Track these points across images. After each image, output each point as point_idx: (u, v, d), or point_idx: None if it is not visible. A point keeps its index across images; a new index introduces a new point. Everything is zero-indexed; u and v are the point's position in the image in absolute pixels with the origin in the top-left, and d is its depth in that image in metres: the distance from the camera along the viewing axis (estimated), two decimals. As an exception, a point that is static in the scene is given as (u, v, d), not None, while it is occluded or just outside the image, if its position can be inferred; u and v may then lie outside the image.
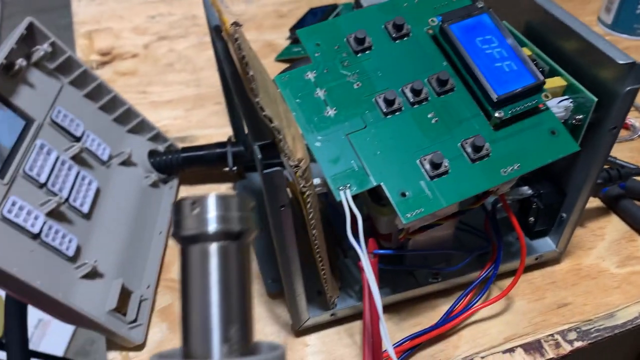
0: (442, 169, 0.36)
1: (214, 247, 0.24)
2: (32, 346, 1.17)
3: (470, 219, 0.48)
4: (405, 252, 0.44)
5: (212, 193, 0.25)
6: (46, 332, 1.25)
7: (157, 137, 0.58)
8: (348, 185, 0.36)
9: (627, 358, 0.71)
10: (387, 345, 0.34)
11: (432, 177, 0.37)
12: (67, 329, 1.27)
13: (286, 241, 0.36)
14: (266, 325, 0.45)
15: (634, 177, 0.53)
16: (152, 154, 0.55)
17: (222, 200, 0.25)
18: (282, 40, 0.76)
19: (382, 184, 0.36)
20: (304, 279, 0.45)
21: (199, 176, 0.57)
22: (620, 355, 0.67)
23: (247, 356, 0.23)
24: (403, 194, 0.36)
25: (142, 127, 0.56)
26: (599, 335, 0.44)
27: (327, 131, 0.38)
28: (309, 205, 0.35)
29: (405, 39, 0.40)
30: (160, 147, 0.57)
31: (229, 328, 0.23)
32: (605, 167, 0.49)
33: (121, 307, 0.44)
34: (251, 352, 0.24)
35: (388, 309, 0.45)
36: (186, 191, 0.57)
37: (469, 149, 0.37)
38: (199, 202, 0.24)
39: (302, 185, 0.34)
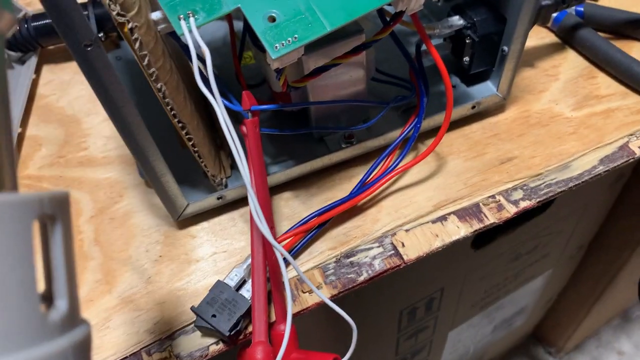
0: (323, -21, 0.26)
1: None
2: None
3: (396, 70, 0.39)
4: (293, 106, 0.34)
5: None
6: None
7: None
8: (192, 12, 0.26)
9: (587, 220, 0.65)
10: (260, 225, 0.25)
11: (310, -8, 0.26)
12: None
13: (115, 99, 0.26)
14: (144, 219, 0.36)
15: (594, 3, 0.44)
16: None
17: None
18: None
19: (240, 6, 0.26)
20: (185, 158, 0.36)
21: (65, 52, 0.46)
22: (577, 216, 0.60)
23: None
24: (271, 18, 0.26)
25: (-18, -6, 0.44)
26: (550, 191, 0.36)
27: (160, -61, 0.27)
28: (137, 45, 0.25)
29: None
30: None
31: None
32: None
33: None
34: None
35: (294, 184, 0.37)
36: (50, 71, 0.46)
37: (360, -51, 0.27)
38: None
39: (115, 13, 0.24)
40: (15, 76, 0.44)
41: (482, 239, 0.49)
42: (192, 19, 0.26)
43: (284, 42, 0.26)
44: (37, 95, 0.44)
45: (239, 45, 0.35)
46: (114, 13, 0.24)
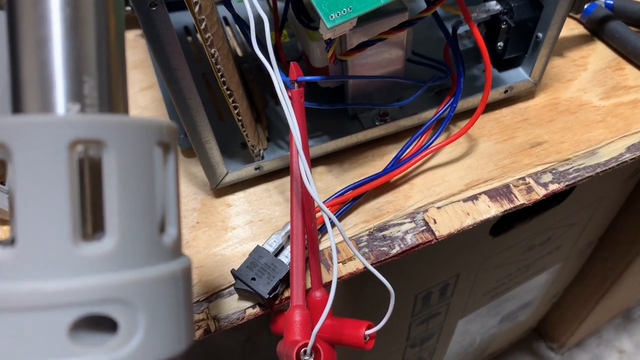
0: (378, -46, 0.27)
1: None
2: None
3: (427, 50, 0.40)
4: (338, 78, 0.35)
5: None
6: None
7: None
8: (250, -20, 0.26)
9: (610, 204, 0.66)
10: (309, 186, 0.26)
11: (365, -34, 0.27)
12: None
13: (172, 60, 0.27)
14: (182, 187, 0.37)
15: (624, -4, 0.44)
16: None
17: None
18: None
19: (297, -24, 0.27)
20: (224, 129, 0.37)
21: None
22: (599, 199, 0.61)
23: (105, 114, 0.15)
24: (326, -10, 0.27)
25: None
26: (578, 175, 0.36)
27: None
28: (196, 9, 0.26)
29: None
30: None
31: (79, 77, 0.15)
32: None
33: (-1, 175, 0.36)
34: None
35: (328, 159, 0.38)
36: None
37: None
38: None
39: (180, -24, 0.25)
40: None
41: (501, 226, 0.50)
42: (250, -14, 0.26)
43: (339, 12, 0.27)
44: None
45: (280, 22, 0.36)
46: (179, -25, 0.25)
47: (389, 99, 0.38)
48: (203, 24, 0.27)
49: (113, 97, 0.16)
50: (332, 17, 0.26)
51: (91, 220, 0.15)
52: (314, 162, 0.37)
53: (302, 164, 0.26)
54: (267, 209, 0.35)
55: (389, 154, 0.38)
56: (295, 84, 0.30)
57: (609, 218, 0.70)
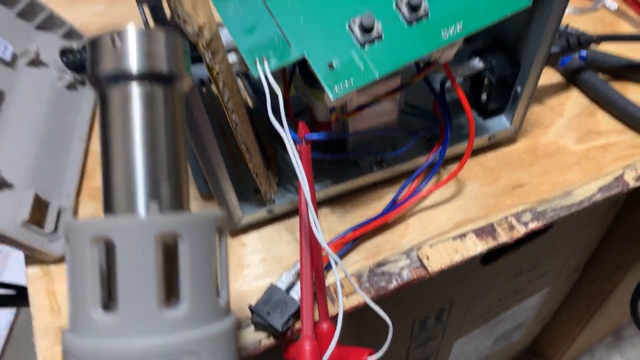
0: (374, 34, 0.32)
1: (137, 90, 0.21)
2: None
3: (419, 102, 0.44)
4: (340, 136, 0.40)
5: (133, 25, 0.21)
6: (7, 262, 1.22)
7: (72, 34, 0.51)
8: (266, 58, 0.31)
9: (588, 240, 0.70)
10: (317, 233, 0.30)
11: (363, 44, 0.32)
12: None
13: (200, 127, 0.32)
14: (200, 228, 0.41)
15: (595, 49, 0.49)
16: (65, 52, 0.49)
17: (147, 35, 0.21)
18: None
19: (305, 54, 0.31)
20: (238, 176, 0.41)
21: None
22: (576, 237, 0.65)
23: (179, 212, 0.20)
24: (330, 66, 0.31)
25: (51, 22, 0.50)
26: (554, 214, 0.41)
27: (239, -3, 0.32)
28: (221, 84, 0.31)
29: None
30: (76, 45, 0.51)
31: (157, 183, 0.20)
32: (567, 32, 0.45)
33: (37, 219, 0.40)
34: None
35: (331, 202, 0.42)
36: (109, 93, 0.51)
37: (405, 10, 0.32)
38: (120, 35, 0.21)
39: (208, 59, 0.29)
40: (78, 96, 0.49)
41: (490, 255, 0.55)
42: (266, 63, 0.31)
43: (341, 84, 0.31)
44: (98, 114, 0.49)
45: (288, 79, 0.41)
46: (207, 58, 0.29)
47: (385, 147, 0.42)
48: (226, 97, 0.31)
49: (181, 196, 0.20)
50: (335, 89, 0.31)
51: (166, 289, 0.19)
52: (318, 205, 0.42)
53: (311, 214, 0.31)
54: (279, 248, 0.40)
55: (386, 196, 0.42)
56: (304, 141, 0.35)
57: (593, 244, 0.74)
